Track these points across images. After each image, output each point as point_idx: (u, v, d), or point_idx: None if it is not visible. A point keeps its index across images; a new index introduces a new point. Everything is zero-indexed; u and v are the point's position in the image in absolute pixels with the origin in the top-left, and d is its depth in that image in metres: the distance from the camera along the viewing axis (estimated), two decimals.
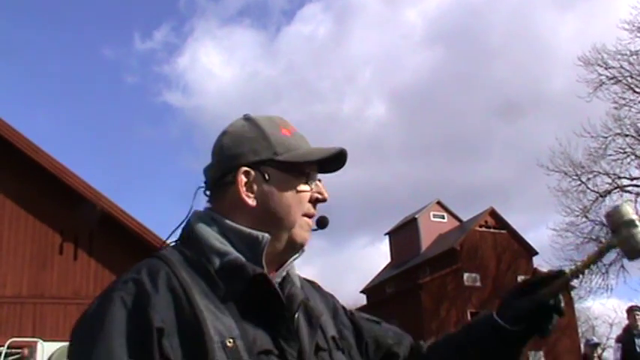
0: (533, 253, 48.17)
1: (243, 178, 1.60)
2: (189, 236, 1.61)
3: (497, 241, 47.75)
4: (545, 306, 1.66)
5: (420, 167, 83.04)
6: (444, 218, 52.35)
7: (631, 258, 1.69)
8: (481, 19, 78.99)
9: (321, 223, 1.71)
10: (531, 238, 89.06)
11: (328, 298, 1.83)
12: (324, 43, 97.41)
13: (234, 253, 1.54)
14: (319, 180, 1.69)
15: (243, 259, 1.54)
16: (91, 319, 1.43)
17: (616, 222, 1.69)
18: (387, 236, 55.35)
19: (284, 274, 1.64)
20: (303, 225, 1.64)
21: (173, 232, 1.67)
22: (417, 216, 51.36)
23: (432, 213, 52.11)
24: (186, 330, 1.41)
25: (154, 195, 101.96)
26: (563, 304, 1.68)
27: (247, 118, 1.70)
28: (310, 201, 1.65)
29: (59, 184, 16.33)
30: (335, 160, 1.69)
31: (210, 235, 1.58)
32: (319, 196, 1.67)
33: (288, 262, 1.65)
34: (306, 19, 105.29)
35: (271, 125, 1.67)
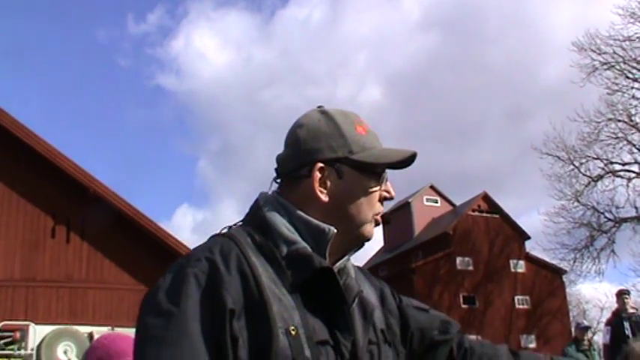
0: (526, 237, 48.36)
1: (318, 174, 1.62)
2: (257, 220, 1.63)
3: (489, 226, 47.90)
4: None
5: (415, 151, 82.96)
6: (437, 202, 52.45)
7: None
8: (477, 4, 78.82)
9: (384, 219, 1.74)
10: (524, 222, 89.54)
11: (377, 286, 1.85)
12: (319, 26, 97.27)
13: (302, 243, 1.57)
14: (387, 178, 1.72)
15: (310, 249, 1.57)
16: (166, 294, 1.44)
17: None
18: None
19: (342, 266, 1.67)
20: (372, 222, 1.68)
21: (246, 216, 1.70)
22: (410, 200, 51.44)
23: (425, 197, 52.19)
24: (254, 313, 1.43)
25: (147, 178, 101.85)
26: None
27: (323, 112, 1.71)
28: (380, 199, 1.69)
29: (51, 167, 16.29)
30: (405, 161, 1.71)
31: (280, 222, 1.60)
32: (387, 195, 1.71)
33: (349, 254, 1.69)
34: (301, 3, 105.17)
35: (347, 122, 1.69)
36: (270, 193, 1.70)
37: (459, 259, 46.25)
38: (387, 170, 1.71)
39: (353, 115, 1.74)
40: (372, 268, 51.44)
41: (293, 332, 1.45)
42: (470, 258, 46.65)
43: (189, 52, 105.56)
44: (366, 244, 1.70)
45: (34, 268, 16.02)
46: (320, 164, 1.62)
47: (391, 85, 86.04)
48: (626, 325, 10.61)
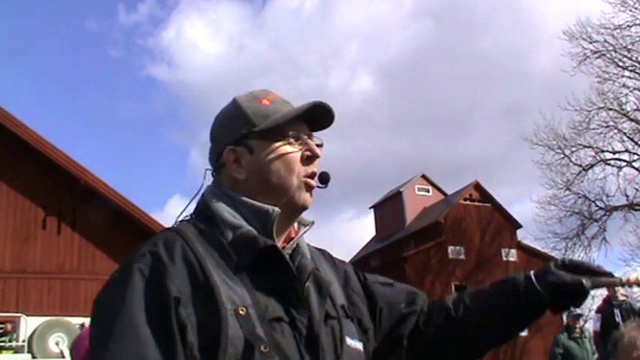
0: (517, 226, 48.43)
1: (229, 157, 1.68)
2: (204, 211, 1.68)
3: (481, 215, 47.97)
4: (583, 291, 1.76)
5: (407, 141, 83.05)
6: (428, 192, 52.48)
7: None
8: None
9: (322, 179, 1.74)
10: (517, 211, 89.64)
11: (339, 266, 1.87)
12: (310, 16, 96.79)
13: (246, 226, 1.61)
14: (311, 137, 1.73)
15: (255, 231, 1.60)
16: (112, 291, 1.50)
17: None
18: (371, 210, 55.48)
19: (294, 245, 1.70)
20: (301, 186, 1.68)
21: (186, 206, 1.75)
22: (401, 190, 51.45)
23: (416, 187, 52.20)
24: (201, 299, 1.48)
25: (139, 169, 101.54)
26: (586, 299, 1.79)
27: (232, 100, 1.76)
28: (302, 161, 1.69)
29: (42, 158, 16.22)
30: (320, 115, 1.72)
31: (224, 209, 1.65)
32: (309, 154, 1.70)
33: (299, 235, 1.72)
34: None
35: (250, 99, 1.73)
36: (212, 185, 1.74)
37: (450, 248, 46.33)
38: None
39: (260, 91, 1.77)
40: (364, 258, 51.55)
41: (242, 312, 1.48)
42: (461, 247, 46.73)
43: (181, 42, 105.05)
44: (359, 233, 1.70)
45: (25, 260, 15.97)
46: (229, 147, 1.68)
47: (383, 75, 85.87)
48: (617, 312, 10.65)
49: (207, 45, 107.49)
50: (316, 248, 1.86)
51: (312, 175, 1.70)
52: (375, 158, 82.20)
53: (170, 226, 1.67)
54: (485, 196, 49.04)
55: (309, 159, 1.70)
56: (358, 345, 1.71)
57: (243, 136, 1.68)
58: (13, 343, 13.11)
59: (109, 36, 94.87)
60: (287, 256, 1.63)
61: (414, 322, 1.87)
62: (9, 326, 13.04)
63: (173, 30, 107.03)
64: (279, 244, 1.65)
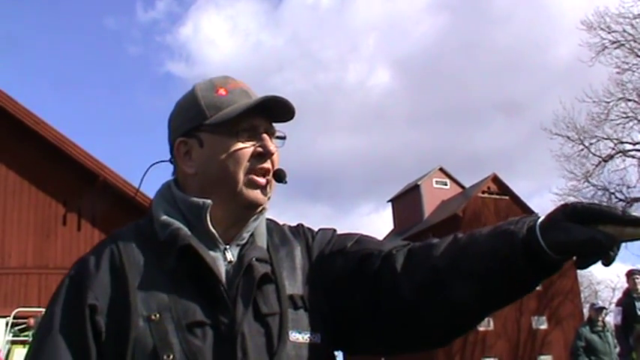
0: None
1: (180, 149, 1.60)
2: (149, 210, 1.64)
3: (499, 207, 47.75)
4: (603, 248, 1.30)
5: (425, 135, 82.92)
6: (446, 185, 52.33)
7: None
8: None
9: (276, 176, 1.61)
10: (536, 203, 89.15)
11: (303, 239, 1.71)
12: (327, 11, 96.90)
13: (176, 224, 1.54)
14: (269, 132, 1.61)
15: (185, 229, 1.53)
16: (50, 300, 1.53)
17: None
18: (389, 203, 55.40)
19: (246, 235, 1.61)
20: (249, 183, 1.56)
21: (136, 191, 1.77)
22: (419, 183, 51.34)
23: (434, 180, 52.07)
24: (117, 306, 1.46)
25: (157, 166, 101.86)
26: (616, 257, 1.32)
27: (191, 87, 1.67)
28: (253, 157, 1.57)
29: (62, 155, 16.33)
30: (279, 109, 1.60)
31: (160, 207, 1.60)
32: (260, 150, 1.57)
33: (248, 223, 1.60)
34: None
35: (207, 88, 1.63)
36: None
37: None
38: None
39: (220, 78, 1.67)
40: None
41: (154, 318, 1.43)
42: None
43: (199, 38, 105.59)
44: (377, 227, 1.53)
45: (46, 256, 16.11)
46: (180, 139, 1.60)
47: (401, 69, 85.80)
48: (637, 305, 10.58)
49: (224, 41, 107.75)
50: (290, 227, 1.74)
51: (263, 172, 1.57)
52: (394, 152, 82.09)
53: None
54: (503, 188, 48.84)
55: (260, 155, 1.57)
56: (312, 337, 1.55)
57: (195, 127, 1.58)
58: None
59: (128, 33, 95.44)
60: (218, 252, 1.54)
61: (370, 289, 1.56)
62: (32, 321, 13.13)
63: (191, 26, 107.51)
64: (230, 239, 1.57)
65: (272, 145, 1.60)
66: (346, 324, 1.61)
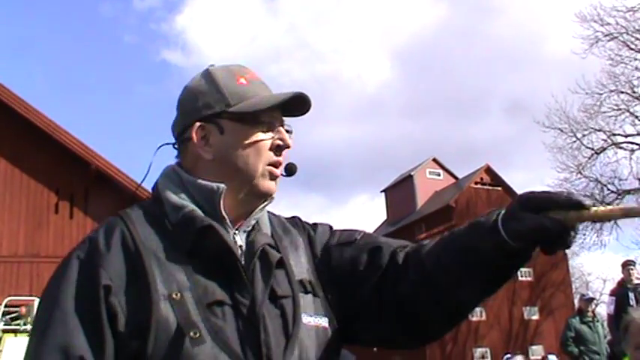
0: None
1: (199, 133, 1.60)
2: (155, 193, 1.63)
3: (492, 198, 47.86)
4: (552, 233, 1.39)
5: (420, 125, 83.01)
6: (439, 175, 52.40)
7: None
8: None
9: (288, 170, 1.67)
10: None
11: (304, 232, 1.76)
12: (325, 1, 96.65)
13: (190, 206, 1.56)
14: (283, 126, 1.65)
15: (199, 211, 1.55)
16: (51, 281, 1.49)
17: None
18: (383, 193, 55.44)
19: (253, 222, 1.63)
20: (265, 174, 1.61)
21: (138, 185, 1.74)
22: (412, 173, 51.40)
23: (427, 170, 52.14)
24: (134, 286, 1.44)
25: (151, 154, 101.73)
26: (573, 239, 1.41)
27: (205, 71, 1.68)
28: (271, 149, 1.61)
29: (54, 143, 16.28)
30: (297, 105, 1.65)
31: (171, 190, 1.59)
32: (280, 143, 1.63)
33: (255, 211, 1.63)
34: None
35: (227, 75, 1.64)
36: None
37: None
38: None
39: (237, 67, 1.69)
40: None
41: (176, 297, 1.43)
42: None
43: (195, 27, 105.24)
44: (372, 216, 1.59)
45: (38, 244, 16.09)
46: (198, 123, 1.60)
47: (397, 60, 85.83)
48: (631, 295, 10.61)
49: (221, 30, 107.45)
50: (287, 218, 1.78)
51: (278, 164, 1.63)
52: (389, 142, 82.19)
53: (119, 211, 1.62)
54: (496, 179, 48.96)
55: (278, 148, 1.63)
56: (320, 321, 1.60)
57: (216, 114, 1.60)
58: (28, 327, 13.19)
59: (124, 21, 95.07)
60: (230, 235, 1.56)
61: (377, 280, 1.62)
62: (23, 310, 13.12)
63: (187, 14, 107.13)
64: (237, 225, 1.60)
65: (289, 139, 1.65)
66: (349, 313, 1.65)
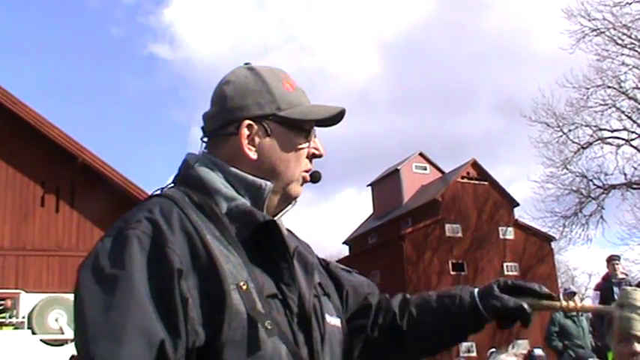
0: (515, 204, 48.51)
1: (246, 131, 1.62)
2: (191, 179, 1.61)
3: (478, 193, 48.01)
4: (525, 314, 1.77)
5: (407, 119, 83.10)
6: (426, 170, 52.47)
7: (621, 332, 2.07)
8: None
9: (314, 177, 1.72)
10: (517, 189, 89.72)
11: (305, 246, 1.83)
12: None
13: (241, 199, 1.58)
14: (315, 135, 1.71)
15: (249, 205, 1.57)
16: (108, 259, 1.40)
17: (625, 300, 2.15)
18: (369, 187, 55.48)
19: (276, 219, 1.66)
20: (299, 179, 1.67)
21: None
22: (399, 167, 51.45)
23: (414, 164, 52.19)
24: (202, 272, 1.42)
25: (138, 147, 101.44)
26: (530, 322, 1.79)
27: (250, 69, 1.69)
28: (307, 156, 1.68)
29: (40, 136, 16.19)
30: (333, 118, 1.71)
31: (216, 179, 1.60)
32: (316, 152, 1.70)
33: (283, 212, 1.69)
34: None
35: (275, 78, 1.67)
36: (197, 153, 1.68)
37: (447, 226, 46.41)
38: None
39: (280, 72, 1.72)
40: (362, 235, 51.66)
41: (244, 287, 1.44)
42: (459, 225, 46.82)
43: (183, 20, 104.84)
44: (359, 211, 1.69)
45: (24, 237, 16.00)
46: (248, 121, 1.62)
47: (386, 53, 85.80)
48: (616, 290, 10.69)
49: (209, 23, 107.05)
50: (286, 229, 1.81)
51: (308, 171, 1.70)
52: (376, 136, 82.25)
53: (157, 192, 1.60)
54: (482, 174, 49.07)
55: (314, 156, 1.70)
56: (337, 321, 1.71)
57: (266, 116, 1.62)
58: (14, 320, 13.17)
59: (111, 14, 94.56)
60: (284, 233, 1.60)
61: (373, 314, 1.87)
62: (9, 303, 13.10)
63: (174, 8, 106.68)
64: None
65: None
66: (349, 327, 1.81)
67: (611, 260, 11.42)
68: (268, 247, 1.55)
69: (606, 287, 11.10)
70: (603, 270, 11.90)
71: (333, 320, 1.69)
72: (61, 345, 12.37)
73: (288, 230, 1.78)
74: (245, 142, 1.61)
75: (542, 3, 70.05)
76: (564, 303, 1.81)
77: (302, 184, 1.69)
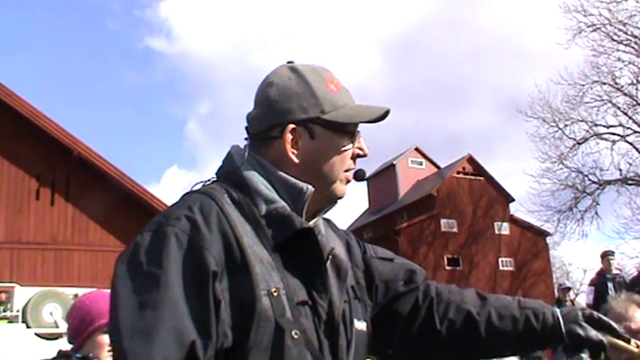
0: (510, 199, 48.54)
1: (290, 135, 1.61)
2: (235, 177, 1.61)
3: (474, 188, 48.02)
4: (602, 348, 1.83)
5: (404, 115, 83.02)
6: (422, 165, 52.46)
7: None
8: None
9: (358, 176, 1.72)
10: (513, 184, 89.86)
11: (343, 237, 1.84)
12: None
13: (281, 202, 1.57)
14: (360, 136, 1.71)
15: (289, 209, 1.56)
16: (146, 254, 1.42)
17: None
18: (364, 182, 55.45)
19: (314, 224, 1.66)
20: (343, 179, 1.67)
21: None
22: (394, 162, 51.42)
23: (409, 159, 52.17)
24: (236, 274, 1.43)
25: (135, 141, 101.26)
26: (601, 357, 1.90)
27: (293, 69, 1.68)
28: (352, 157, 1.68)
29: (35, 129, 16.16)
30: (378, 119, 1.70)
31: (259, 179, 1.60)
32: (360, 152, 1.70)
33: (324, 211, 1.69)
34: None
35: (318, 79, 1.66)
36: (242, 148, 1.68)
37: (443, 221, 46.42)
38: (360, 126, 1.70)
39: (324, 71, 1.71)
40: (357, 230, 51.60)
41: (275, 294, 1.45)
42: (454, 220, 46.84)
43: (180, 14, 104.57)
44: (350, 205, 1.69)
45: (18, 230, 15.97)
46: (292, 125, 1.61)
47: (383, 48, 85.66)
48: (610, 285, 10.72)
49: (207, 17, 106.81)
50: (323, 218, 1.79)
51: (352, 170, 1.70)
52: (372, 131, 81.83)
53: (199, 187, 1.61)
54: (478, 169, 49.09)
55: (358, 156, 1.70)
56: (363, 325, 1.70)
57: (310, 119, 1.61)
58: (8, 313, 13.14)
59: (107, 7, 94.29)
60: (320, 242, 1.58)
61: (414, 300, 1.83)
62: (3, 296, 13.06)
63: (172, 1, 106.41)
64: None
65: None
66: (375, 322, 1.78)
67: (606, 256, 11.44)
68: (303, 253, 1.55)
69: (600, 283, 11.13)
70: (598, 265, 11.93)
71: (361, 325, 1.68)
72: (56, 339, 12.32)
73: (326, 220, 1.79)
74: (289, 146, 1.60)
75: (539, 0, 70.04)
76: (636, 350, 1.84)
77: (346, 184, 1.68)
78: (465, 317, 1.81)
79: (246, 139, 1.68)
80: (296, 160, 1.60)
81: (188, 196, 1.57)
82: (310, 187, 1.60)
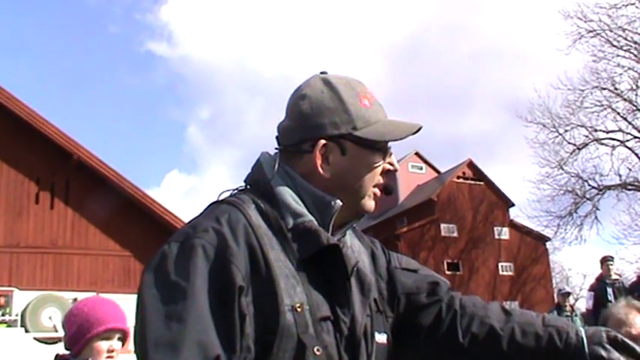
0: (510, 204, 48.56)
1: (320, 151, 1.60)
2: (263, 187, 1.61)
3: (474, 193, 48.05)
4: None
5: (404, 119, 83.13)
6: (422, 169, 52.51)
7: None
8: None
9: (388, 190, 1.71)
10: (513, 190, 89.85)
11: (368, 245, 1.83)
12: None
13: (309, 216, 1.56)
14: (391, 153, 1.70)
15: (316, 223, 1.56)
16: (174, 266, 1.41)
17: None
18: None
19: (341, 237, 1.66)
20: (371, 195, 1.66)
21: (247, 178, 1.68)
22: None
23: (410, 164, 52.22)
24: (261, 288, 1.43)
25: (135, 145, 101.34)
26: None
27: (326, 82, 1.66)
28: (382, 172, 1.67)
29: (35, 133, 16.15)
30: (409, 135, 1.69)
31: (287, 192, 1.59)
32: (391, 168, 1.69)
33: (349, 226, 1.69)
34: None
35: (351, 94, 1.64)
36: (271, 156, 1.67)
37: (443, 226, 46.45)
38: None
39: (358, 84, 1.69)
40: None
41: (299, 309, 1.44)
42: (454, 225, 46.86)
43: (180, 18, 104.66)
44: None
45: (18, 234, 15.95)
46: (323, 141, 1.59)
47: (384, 52, 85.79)
48: (609, 290, 10.71)
49: (208, 21, 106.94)
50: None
51: (380, 185, 1.69)
52: None
53: (228, 197, 1.60)
54: (478, 174, 49.11)
55: (388, 172, 1.69)
56: (383, 338, 1.68)
57: (341, 135, 1.60)
58: (7, 317, 13.12)
59: (108, 11, 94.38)
60: (346, 256, 1.57)
61: (436, 312, 1.80)
62: (2, 300, 13.05)
63: (172, 5, 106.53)
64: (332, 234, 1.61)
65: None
66: (395, 333, 1.75)
67: (605, 261, 11.44)
68: (328, 267, 1.54)
69: (600, 288, 11.13)
70: (598, 270, 11.93)
71: (382, 338, 1.67)
72: (55, 343, 12.31)
73: (352, 229, 1.77)
74: (319, 161, 1.59)
75: (540, 4, 70.16)
76: None
77: (374, 199, 1.67)
78: (488, 332, 1.76)
79: (276, 148, 1.68)
80: (326, 175, 1.60)
81: (215, 206, 1.56)
82: (338, 201, 1.59)
